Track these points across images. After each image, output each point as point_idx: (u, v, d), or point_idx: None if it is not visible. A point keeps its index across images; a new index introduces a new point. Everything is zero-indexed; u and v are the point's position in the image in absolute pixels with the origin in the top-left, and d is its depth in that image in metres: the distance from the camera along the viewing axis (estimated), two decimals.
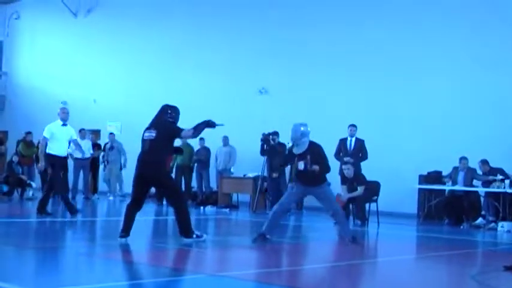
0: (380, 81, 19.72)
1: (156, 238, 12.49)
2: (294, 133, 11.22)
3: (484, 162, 16.45)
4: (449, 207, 17.04)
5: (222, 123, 10.64)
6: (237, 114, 21.81)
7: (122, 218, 10.64)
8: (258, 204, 18.65)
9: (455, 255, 11.06)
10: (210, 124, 10.50)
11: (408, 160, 18.41)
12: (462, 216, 16.67)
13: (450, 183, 17.17)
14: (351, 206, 15.79)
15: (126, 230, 10.43)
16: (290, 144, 11.84)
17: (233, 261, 9.86)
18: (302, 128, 11.20)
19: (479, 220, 16.25)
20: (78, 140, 16.23)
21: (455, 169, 16.97)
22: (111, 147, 21.84)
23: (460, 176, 16.87)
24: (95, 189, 22.66)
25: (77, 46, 27.28)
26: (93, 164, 22.23)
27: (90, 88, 26.49)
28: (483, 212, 16.40)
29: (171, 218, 15.64)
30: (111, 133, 22.69)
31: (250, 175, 19.37)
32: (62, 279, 7.44)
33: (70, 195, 21.07)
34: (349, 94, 20.10)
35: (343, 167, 15.77)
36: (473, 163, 16.69)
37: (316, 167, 10.97)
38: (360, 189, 15.38)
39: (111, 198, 21.56)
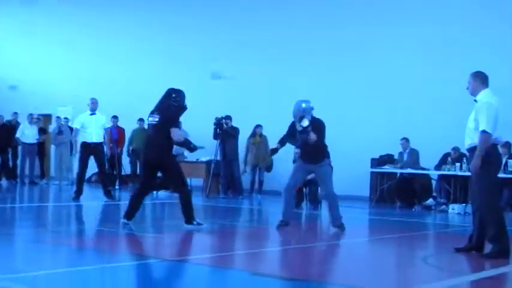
0: (332, 66, 19.80)
1: (108, 223, 12.38)
2: (296, 110, 11.10)
3: (455, 148, 16.49)
4: (401, 190, 17.23)
5: (202, 146, 10.70)
6: (190, 98, 21.53)
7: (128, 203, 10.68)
8: (211, 188, 18.62)
9: (407, 237, 11.17)
10: (191, 148, 10.97)
11: (360, 144, 18.52)
12: (414, 199, 16.87)
13: (400, 166, 17.37)
14: (304, 189, 15.84)
15: (128, 215, 10.47)
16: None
17: (187, 245, 9.84)
18: (304, 105, 11.09)
19: (430, 200, 16.47)
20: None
21: (401, 153, 17.30)
22: (60, 132, 21.45)
23: (405, 158, 17.14)
24: (43, 175, 22.39)
25: (26, 31, 26.81)
26: (40, 149, 21.94)
27: (40, 73, 26.08)
28: (434, 194, 16.62)
29: (123, 202, 15.59)
30: (59, 117, 22.33)
31: (203, 159, 19.31)
32: (11, 266, 7.30)
33: (18, 181, 21.01)
34: (302, 79, 20.10)
35: (296, 150, 15.79)
36: (439, 148, 16.85)
37: (313, 135, 10.83)
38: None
39: (65, 183, 21.22)
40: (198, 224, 10.48)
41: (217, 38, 22.02)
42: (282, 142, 11.46)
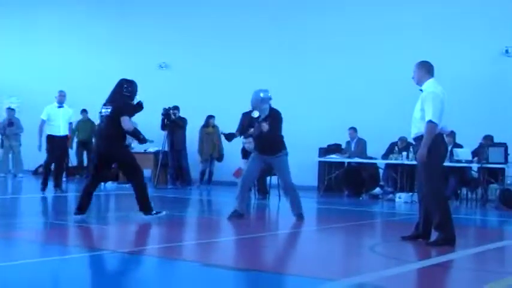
0: (282, 56, 19.88)
1: (56, 215, 12.26)
2: (254, 99, 11.13)
3: (402, 138, 16.65)
4: (349, 179, 17.37)
5: (152, 140, 11.43)
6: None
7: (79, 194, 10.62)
8: (159, 179, 18.57)
9: (355, 226, 11.27)
10: (141, 140, 10.84)
11: (308, 133, 18.61)
12: (361, 188, 17.03)
13: (347, 155, 17.51)
14: None
15: (81, 208, 10.34)
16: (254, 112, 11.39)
17: (135, 236, 9.80)
18: (262, 94, 11.13)
19: (377, 189, 16.65)
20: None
21: (348, 142, 17.47)
22: (10, 123, 21.08)
23: (352, 147, 17.31)
24: None
25: None
26: None
27: None
28: (381, 183, 16.80)
29: (71, 194, 15.48)
30: (9, 108, 21.99)
31: (151, 150, 19.23)
32: None
33: None
34: (250, 68, 20.14)
35: (244, 141, 15.78)
36: (386, 138, 17.00)
37: (265, 126, 10.85)
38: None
39: (21, 175, 20.83)
40: (157, 212, 10.46)
41: (165, 27, 21.92)
42: (242, 131, 11.47)
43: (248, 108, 16.61)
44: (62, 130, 15.34)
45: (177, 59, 21.73)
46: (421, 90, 8.68)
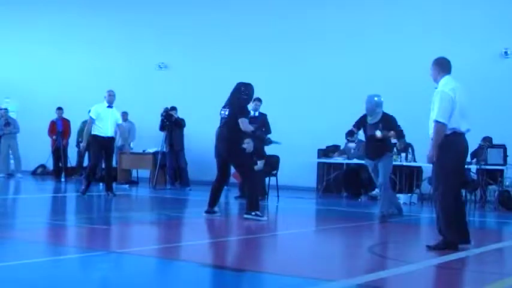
0: (280, 58, 19.88)
1: (54, 215, 12.26)
2: (368, 104, 11.65)
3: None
4: (347, 180, 17.36)
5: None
6: (136, 89, 21.63)
7: None
8: (158, 180, 18.54)
9: (353, 227, 11.26)
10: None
11: (307, 134, 18.62)
12: (360, 189, 17.01)
13: (346, 156, 17.50)
14: None
15: (211, 205, 11.19)
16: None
17: (133, 237, 9.79)
18: (376, 99, 11.65)
19: (376, 191, 16.62)
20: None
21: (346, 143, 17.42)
22: (7, 123, 21.10)
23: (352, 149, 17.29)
24: None
25: None
26: None
27: None
28: None
29: (69, 194, 15.46)
30: (6, 109, 21.99)
31: (150, 150, 19.23)
32: None
33: None
34: (249, 69, 20.11)
35: (245, 141, 15.77)
36: None
37: (391, 133, 11.62)
38: (260, 164, 15.47)
39: (19, 175, 20.75)
40: (257, 215, 10.87)
41: (163, 27, 21.92)
42: (351, 133, 12.25)
43: (249, 108, 16.69)
44: (110, 131, 14.80)
45: (176, 59, 21.72)
46: (436, 88, 8.45)
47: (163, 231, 10.15)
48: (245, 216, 10.94)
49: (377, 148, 11.77)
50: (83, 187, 14.70)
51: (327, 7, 19.45)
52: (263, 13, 20.35)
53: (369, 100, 11.68)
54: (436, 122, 8.17)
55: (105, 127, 14.65)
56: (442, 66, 8.52)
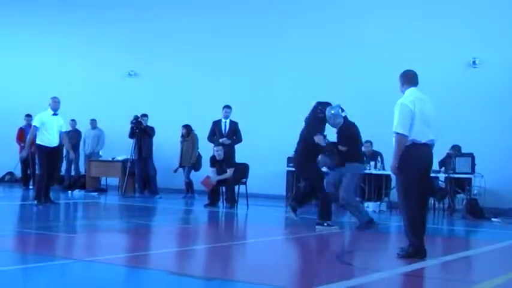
0: (250, 67, 19.89)
1: (21, 223, 12.14)
2: (327, 118, 11.80)
3: (367, 141, 16.59)
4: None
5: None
6: (106, 97, 21.55)
7: None
8: (127, 188, 18.45)
9: (322, 235, 11.26)
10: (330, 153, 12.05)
11: (276, 142, 18.59)
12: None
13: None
14: (221, 188, 15.85)
15: (295, 205, 12.22)
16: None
17: (102, 245, 9.71)
18: (332, 111, 11.80)
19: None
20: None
21: None
22: None
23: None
24: None
25: None
26: None
27: None
28: None
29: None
30: None
31: (119, 158, 19.13)
32: None
33: None
34: (219, 77, 20.17)
35: (215, 149, 15.80)
36: None
37: (343, 148, 11.87)
38: (229, 172, 15.48)
39: None
40: (328, 225, 11.47)
41: (133, 34, 21.85)
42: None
43: (219, 116, 16.68)
44: (56, 141, 14.34)
45: (146, 66, 21.66)
46: None
47: (132, 240, 10.10)
48: (316, 226, 11.42)
49: (338, 157, 12.06)
50: (36, 200, 14.24)
51: (308, 11, 19.45)
52: (236, 19, 20.33)
53: (327, 113, 11.78)
54: (396, 133, 8.27)
55: (51, 136, 14.27)
56: (407, 78, 8.68)
